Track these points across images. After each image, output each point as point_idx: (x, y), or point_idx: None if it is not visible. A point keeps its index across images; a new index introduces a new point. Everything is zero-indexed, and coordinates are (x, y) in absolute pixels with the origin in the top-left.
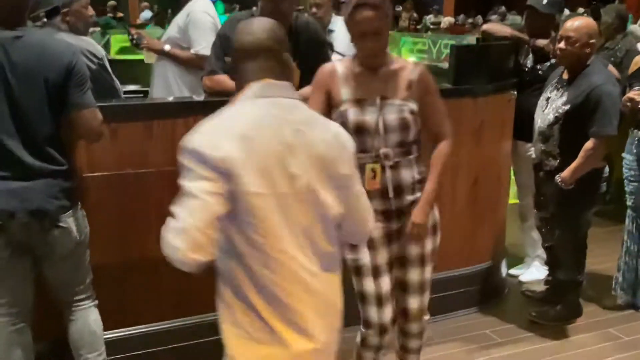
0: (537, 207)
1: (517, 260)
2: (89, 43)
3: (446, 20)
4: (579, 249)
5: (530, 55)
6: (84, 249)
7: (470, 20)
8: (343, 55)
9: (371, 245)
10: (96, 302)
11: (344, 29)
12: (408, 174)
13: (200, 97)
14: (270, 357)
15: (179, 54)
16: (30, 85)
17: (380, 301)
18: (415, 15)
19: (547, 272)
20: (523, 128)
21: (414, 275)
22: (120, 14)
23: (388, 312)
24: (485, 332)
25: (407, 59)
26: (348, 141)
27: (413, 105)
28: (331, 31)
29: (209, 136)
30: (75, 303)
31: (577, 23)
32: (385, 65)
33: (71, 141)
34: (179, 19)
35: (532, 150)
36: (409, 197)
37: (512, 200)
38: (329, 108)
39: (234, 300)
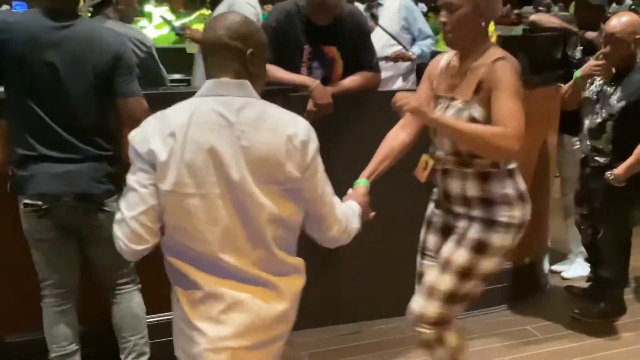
0: (578, 202)
1: (560, 256)
2: (138, 32)
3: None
4: (624, 246)
5: (579, 47)
6: None
7: (516, 11)
8: (386, 31)
9: (428, 225)
10: (139, 285)
11: (393, 4)
12: (457, 186)
13: None
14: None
15: None
16: (78, 73)
17: (419, 280)
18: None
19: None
20: (570, 121)
21: (430, 275)
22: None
23: (417, 299)
24: (526, 328)
25: (501, 54)
26: (307, 144)
27: (475, 111)
28: (380, 4)
29: (143, 131)
30: (119, 286)
31: (619, 21)
32: (475, 59)
33: (117, 128)
34: (222, 9)
35: (578, 144)
36: (459, 209)
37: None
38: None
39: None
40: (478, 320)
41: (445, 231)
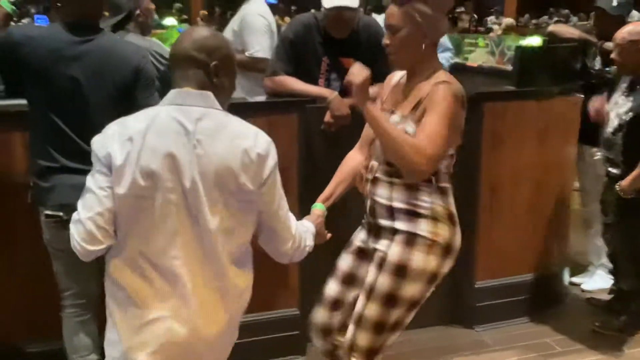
0: (603, 212)
1: (581, 268)
2: (157, 44)
3: (507, 21)
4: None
5: (598, 58)
6: None
7: (534, 22)
8: None
9: (347, 246)
10: None
11: None
12: (384, 196)
13: (255, 99)
14: None
15: None
16: (100, 86)
17: (321, 300)
18: (475, 16)
19: (611, 281)
20: (589, 132)
21: (359, 302)
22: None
23: (319, 315)
24: (546, 341)
25: (446, 78)
26: (264, 156)
27: (409, 127)
28: None
29: (104, 136)
30: None
31: (624, 29)
32: (421, 79)
33: None
34: (234, 23)
35: (598, 155)
36: (384, 222)
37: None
38: None
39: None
40: (497, 332)
41: (360, 255)
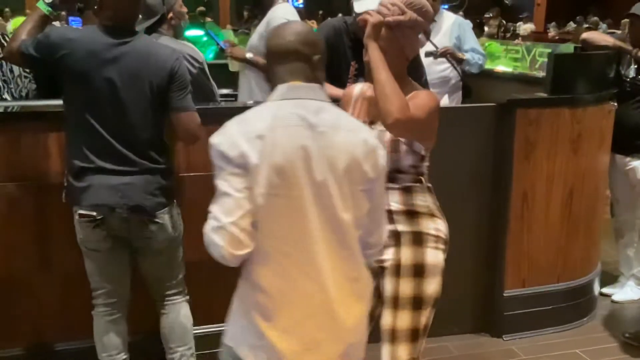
0: None
1: (611, 278)
2: (191, 48)
3: (527, 28)
4: None
5: (633, 66)
6: (178, 245)
7: (569, 29)
8: (435, 46)
9: None
10: (187, 297)
11: (447, 22)
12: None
13: None
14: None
15: (260, 62)
16: (135, 88)
17: None
18: (504, 22)
19: None
20: (622, 141)
21: (385, 318)
22: (209, 19)
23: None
24: (576, 352)
25: (419, 90)
26: (377, 146)
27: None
28: (434, 21)
29: (228, 136)
30: (168, 297)
31: None
32: None
33: (170, 142)
34: (261, 27)
35: (631, 165)
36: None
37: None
38: None
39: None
40: (526, 342)
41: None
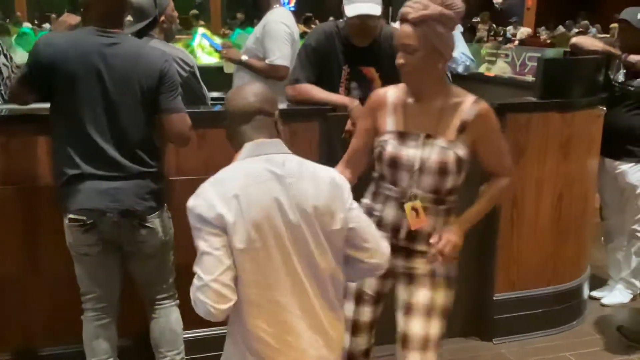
0: None
1: (600, 282)
2: (181, 51)
3: (524, 31)
4: None
5: (622, 71)
6: (168, 249)
7: (572, 33)
8: None
9: None
10: (178, 301)
11: None
12: (430, 224)
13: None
14: None
15: (255, 64)
16: (126, 90)
17: (354, 329)
18: (494, 26)
19: (631, 296)
20: (611, 145)
21: (416, 325)
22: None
23: (360, 342)
24: (565, 355)
25: (468, 94)
26: (344, 183)
27: (461, 151)
28: None
29: (204, 198)
30: (158, 301)
31: None
32: (440, 99)
33: (161, 144)
34: (257, 30)
35: (620, 168)
36: (421, 247)
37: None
38: (374, 135)
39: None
40: (516, 345)
41: (386, 274)
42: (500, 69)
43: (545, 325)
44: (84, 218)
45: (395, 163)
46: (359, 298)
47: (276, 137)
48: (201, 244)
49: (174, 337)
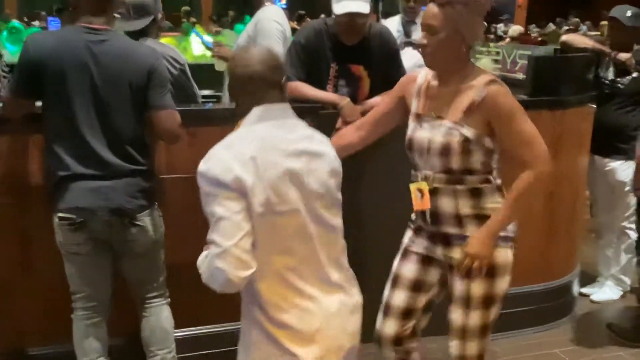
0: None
1: (590, 278)
2: (172, 49)
3: (516, 29)
4: None
5: (612, 68)
6: (159, 247)
7: (563, 30)
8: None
9: (404, 254)
10: (168, 300)
11: None
12: (449, 205)
13: None
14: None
15: None
16: (115, 88)
17: (386, 311)
18: (484, 24)
19: (621, 293)
20: (601, 142)
21: (455, 315)
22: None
23: (390, 326)
24: (555, 352)
25: (486, 75)
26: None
27: (466, 131)
28: (415, 23)
29: (219, 161)
30: (149, 300)
31: None
32: (461, 81)
33: (151, 142)
34: (249, 27)
35: (609, 166)
36: (452, 230)
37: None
38: (402, 112)
39: (249, 318)
40: (506, 342)
41: (426, 261)
42: (483, 65)
43: (535, 322)
44: (74, 217)
45: (411, 145)
46: (395, 281)
47: (284, 102)
48: (217, 210)
49: (165, 336)
